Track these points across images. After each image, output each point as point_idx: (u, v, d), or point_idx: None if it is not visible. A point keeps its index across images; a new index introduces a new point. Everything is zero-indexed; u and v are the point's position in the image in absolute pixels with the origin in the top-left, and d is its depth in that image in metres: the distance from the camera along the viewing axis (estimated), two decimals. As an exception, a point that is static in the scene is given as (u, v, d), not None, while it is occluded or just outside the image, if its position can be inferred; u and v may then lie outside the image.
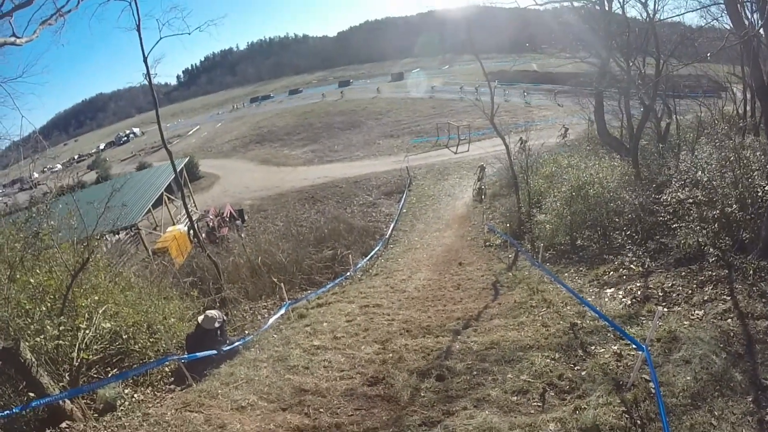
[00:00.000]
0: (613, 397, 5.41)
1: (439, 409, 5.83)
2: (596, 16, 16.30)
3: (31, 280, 7.12)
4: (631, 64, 15.51)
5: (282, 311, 10.63)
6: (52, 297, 7.28)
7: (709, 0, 13.99)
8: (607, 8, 15.71)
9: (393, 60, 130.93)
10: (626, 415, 5.12)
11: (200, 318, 8.70)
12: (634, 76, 15.46)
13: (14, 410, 5.55)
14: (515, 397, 5.84)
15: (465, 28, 23.79)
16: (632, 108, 17.57)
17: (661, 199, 10.34)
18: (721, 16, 14.89)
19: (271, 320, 10.18)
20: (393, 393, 6.42)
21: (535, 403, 5.70)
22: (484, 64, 21.01)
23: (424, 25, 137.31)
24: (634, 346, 6.16)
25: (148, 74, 15.94)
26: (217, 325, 8.56)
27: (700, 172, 9.43)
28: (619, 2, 15.62)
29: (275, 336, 9.36)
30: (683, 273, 8.40)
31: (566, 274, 11.16)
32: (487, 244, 17.84)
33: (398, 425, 5.66)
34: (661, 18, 15.23)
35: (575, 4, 16.92)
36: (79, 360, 6.78)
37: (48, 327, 6.54)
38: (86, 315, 7.27)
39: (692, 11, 16.19)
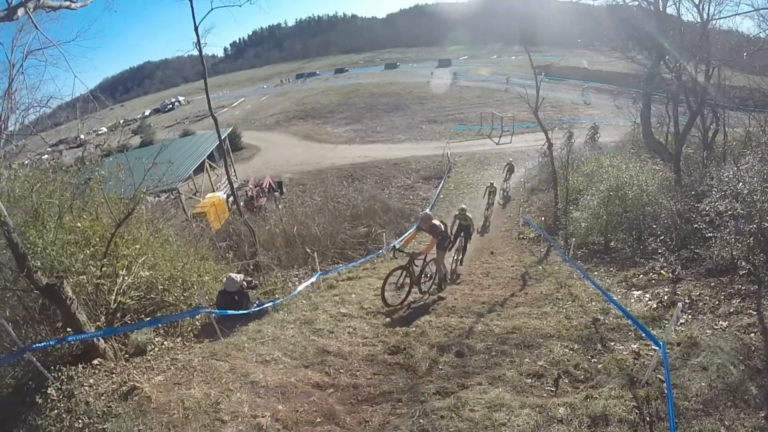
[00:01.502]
0: (625, 391, 5.49)
1: (454, 382, 6.06)
2: (649, 16, 15.95)
3: (78, 225, 7.51)
4: (682, 67, 15.15)
5: (313, 279, 11.00)
6: (96, 243, 7.64)
7: (765, 3, 13.54)
8: (661, 8, 15.36)
9: (441, 46, 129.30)
10: (636, 411, 5.18)
11: (224, 280, 9.15)
12: (684, 81, 15.11)
13: (51, 342, 5.98)
14: (530, 380, 6.01)
15: (516, 18, 23.55)
16: (680, 114, 17.16)
17: (700, 208, 10.19)
18: (778, 24, 14.39)
19: (301, 287, 10.56)
20: (412, 363, 6.71)
21: (548, 387, 5.87)
22: (533, 57, 20.73)
23: (474, 12, 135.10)
24: (653, 346, 6.22)
25: (198, 43, 16.48)
26: (236, 288, 8.97)
27: (740, 184, 9.26)
28: (674, 2, 15.25)
29: (304, 302, 9.74)
30: (713, 283, 8.29)
31: (596, 273, 11.14)
32: (521, 236, 17.83)
33: (413, 392, 5.92)
34: (718, 20, 14.75)
35: (627, 1, 16.60)
36: (116, 304, 7.19)
37: (91, 268, 6.94)
38: (126, 263, 7.61)
39: (745, 13, 15.45)
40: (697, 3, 14.43)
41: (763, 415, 5.05)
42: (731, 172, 9.71)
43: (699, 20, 14.61)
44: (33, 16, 6.57)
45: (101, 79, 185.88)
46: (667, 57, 15.66)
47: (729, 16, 15.43)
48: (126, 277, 7.45)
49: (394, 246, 12.06)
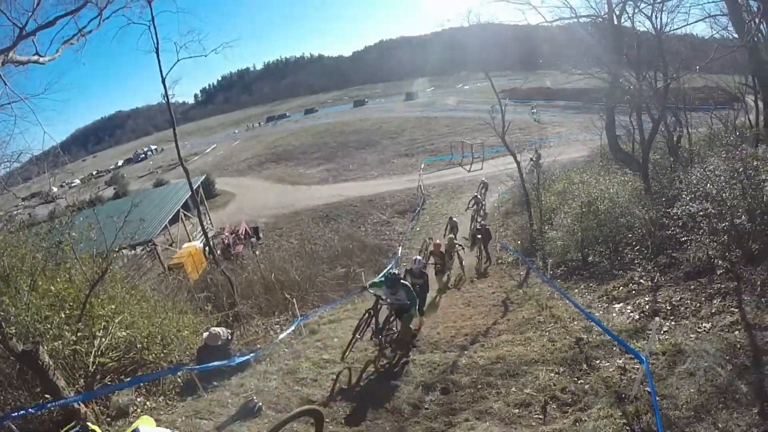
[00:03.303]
0: (614, 409, 5.43)
1: (441, 421, 5.95)
2: (605, 31, 16.45)
3: (52, 288, 7.43)
4: (642, 77, 15.57)
5: (293, 327, 10.78)
6: (70, 305, 7.56)
7: (716, 9, 14.12)
8: (615, 22, 15.86)
9: (408, 79, 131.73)
10: (627, 428, 5.12)
11: (205, 335, 8.93)
12: (645, 90, 15.50)
13: (30, 410, 5.84)
14: (517, 410, 5.92)
15: (477, 46, 24.15)
16: (645, 122, 17.54)
17: (672, 213, 10.29)
18: (729, 27, 15.00)
19: (281, 335, 10.33)
20: (397, 405, 6.56)
21: (536, 416, 5.77)
22: (497, 81, 21.23)
23: (438, 43, 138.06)
24: (638, 360, 6.16)
25: (166, 95, 16.50)
26: (219, 343, 8.76)
27: (709, 185, 9.39)
28: (629, 16, 15.76)
29: (286, 350, 9.56)
30: (692, 286, 8.34)
31: (576, 290, 11.14)
32: (499, 261, 17.76)
33: (400, 435, 5.77)
34: (672, 30, 15.33)
35: (582, 19, 17.11)
36: (94, 366, 7.06)
37: (66, 333, 6.85)
38: (103, 324, 7.56)
39: (700, 20, 16.23)
40: (649, 15, 14.99)
41: (755, 411, 5.03)
42: (698, 174, 9.88)
43: (653, 31, 15.14)
44: (1, 71, 6.50)
45: (73, 129, 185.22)
46: (627, 69, 16.08)
47: (682, 27, 16.07)
48: (103, 339, 7.37)
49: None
